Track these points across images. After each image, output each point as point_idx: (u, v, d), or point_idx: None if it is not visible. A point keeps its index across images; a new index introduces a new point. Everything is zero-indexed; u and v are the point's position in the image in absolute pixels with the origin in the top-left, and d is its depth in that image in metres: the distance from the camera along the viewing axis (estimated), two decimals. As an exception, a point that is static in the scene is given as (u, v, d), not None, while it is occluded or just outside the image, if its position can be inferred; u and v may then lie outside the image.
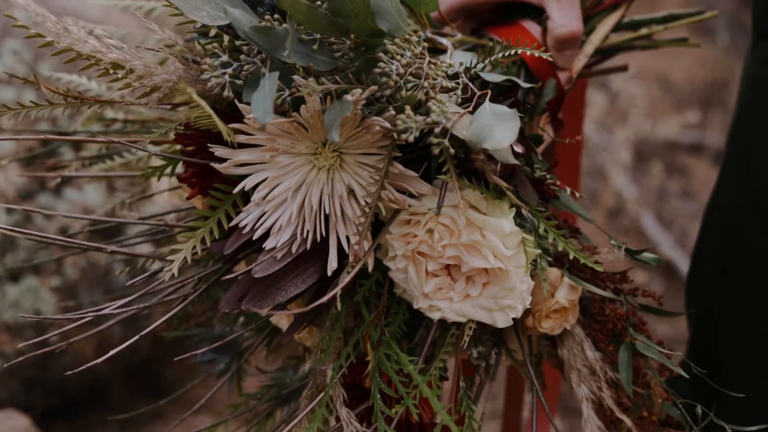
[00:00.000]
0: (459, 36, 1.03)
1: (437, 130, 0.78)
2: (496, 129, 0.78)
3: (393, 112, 0.80)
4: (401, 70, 0.81)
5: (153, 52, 0.85)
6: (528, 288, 0.87)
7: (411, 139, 0.77)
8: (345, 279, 0.79)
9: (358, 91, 0.79)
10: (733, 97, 3.73)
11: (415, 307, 0.88)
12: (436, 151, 0.78)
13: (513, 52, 0.90)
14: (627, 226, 3.16)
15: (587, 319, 0.98)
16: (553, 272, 0.93)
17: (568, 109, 1.14)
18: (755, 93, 1.09)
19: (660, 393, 0.96)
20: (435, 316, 0.89)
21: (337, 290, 0.78)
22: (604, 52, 1.14)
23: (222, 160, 0.83)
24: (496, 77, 0.91)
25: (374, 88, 0.80)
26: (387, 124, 0.79)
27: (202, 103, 0.73)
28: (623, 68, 1.19)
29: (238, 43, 0.83)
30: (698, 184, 3.54)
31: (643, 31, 1.13)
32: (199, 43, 0.91)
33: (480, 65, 0.90)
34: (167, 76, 0.80)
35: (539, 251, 0.86)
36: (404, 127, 0.77)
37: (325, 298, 0.77)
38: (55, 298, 1.83)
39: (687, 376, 0.91)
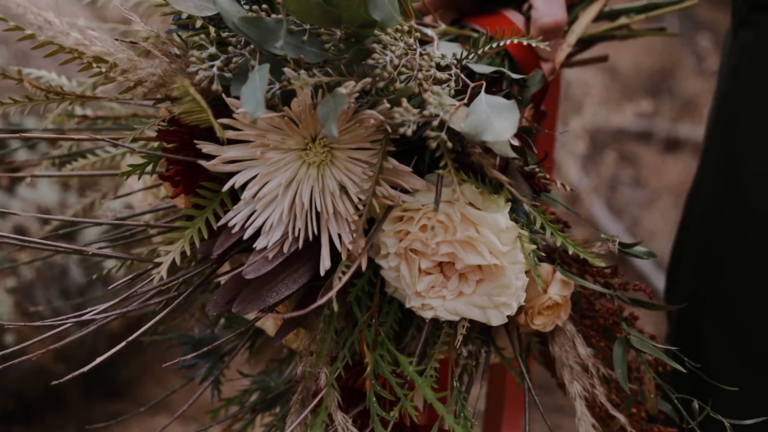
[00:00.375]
0: (443, 26, 1.00)
1: (435, 123, 0.75)
2: (495, 121, 0.75)
3: (387, 105, 0.77)
4: (396, 62, 0.78)
5: (130, 44, 0.80)
6: (523, 285, 0.85)
7: (409, 132, 0.74)
8: (343, 279, 0.76)
9: (352, 83, 0.76)
10: (680, 85, 3.73)
11: (408, 306, 0.86)
12: (433, 144, 0.76)
13: (501, 42, 0.88)
14: (581, 216, 3.16)
15: (577, 315, 0.96)
16: (545, 268, 0.91)
17: (545, 101, 1.12)
18: (737, 82, 1.08)
19: (653, 388, 0.95)
20: (427, 315, 0.86)
21: (333, 292, 0.75)
22: (584, 42, 1.12)
23: (207, 157, 0.80)
24: (485, 68, 0.88)
25: (368, 80, 0.77)
26: (381, 118, 0.77)
27: (199, 98, 0.70)
28: (603, 59, 1.18)
29: (224, 34, 0.79)
30: (648, 172, 3.55)
31: (623, 20, 1.11)
32: (178, 35, 0.87)
33: (470, 56, 0.88)
34: (152, 69, 0.77)
35: (534, 246, 0.84)
36: (401, 121, 0.75)
37: (323, 300, 0.74)
38: (11, 299, 1.77)
39: (684, 371, 0.89)
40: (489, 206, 0.82)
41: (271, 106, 0.78)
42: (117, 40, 0.77)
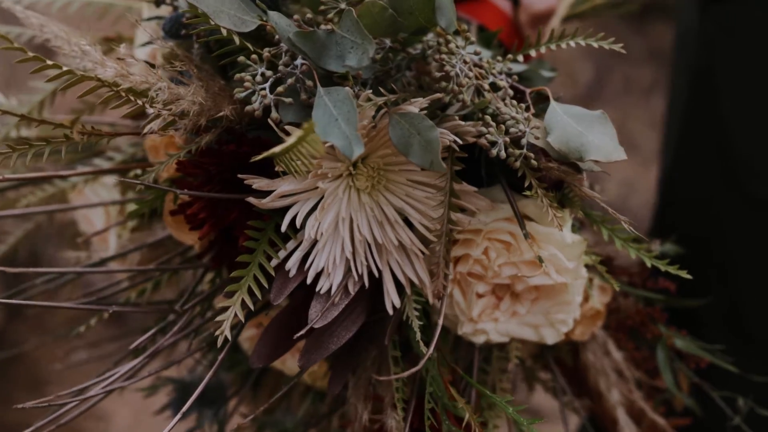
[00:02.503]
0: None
1: (524, 141, 0.68)
2: (591, 136, 0.68)
3: (459, 122, 0.69)
4: (470, 73, 0.70)
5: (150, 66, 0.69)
6: (581, 299, 0.80)
7: (503, 154, 0.67)
8: (435, 331, 0.68)
9: (420, 99, 0.68)
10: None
11: (460, 333, 0.79)
12: (516, 164, 0.68)
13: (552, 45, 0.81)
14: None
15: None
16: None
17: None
18: (714, 58, 1.04)
19: (687, 386, 0.92)
20: (480, 340, 0.79)
21: (434, 341, 0.67)
22: (555, 25, 1.07)
23: (249, 190, 0.69)
24: (520, 66, 0.81)
25: (439, 95, 0.69)
26: (453, 137, 0.68)
27: (321, 136, 0.59)
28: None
29: (266, 51, 0.68)
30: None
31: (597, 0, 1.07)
32: (168, 47, 0.76)
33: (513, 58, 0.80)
34: (192, 98, 0.65)
35: (600, 259, 0.79)
36: (492, 141, 0.67)
37: (430, 352, 0.66)
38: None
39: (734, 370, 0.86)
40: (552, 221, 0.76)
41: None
42: (151, 65, 0.65)
